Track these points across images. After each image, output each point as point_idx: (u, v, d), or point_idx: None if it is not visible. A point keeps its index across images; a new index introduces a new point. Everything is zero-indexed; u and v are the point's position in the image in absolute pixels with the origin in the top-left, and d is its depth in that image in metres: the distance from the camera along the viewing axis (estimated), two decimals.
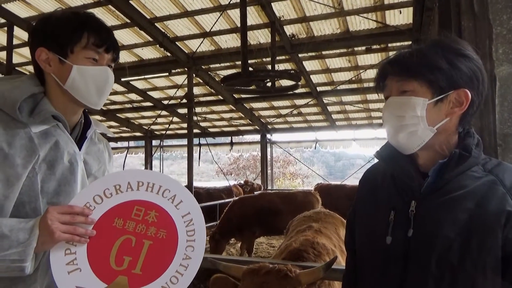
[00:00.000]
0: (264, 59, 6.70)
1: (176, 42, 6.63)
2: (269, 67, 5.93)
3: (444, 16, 1.67)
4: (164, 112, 9.67)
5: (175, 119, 10.40)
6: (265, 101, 9.36)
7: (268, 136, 11.61)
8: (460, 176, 0.94)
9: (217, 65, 7.45)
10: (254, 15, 5.65)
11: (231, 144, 12.20)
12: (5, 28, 6.37)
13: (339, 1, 5.20)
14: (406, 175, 1.01)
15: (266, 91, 5.81)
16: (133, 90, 8.87)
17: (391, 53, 6.22)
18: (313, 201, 6.18)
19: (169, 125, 10.06)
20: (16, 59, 7.13)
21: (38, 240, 0.92)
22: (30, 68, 6.27)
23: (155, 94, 9.33)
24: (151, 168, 12.37)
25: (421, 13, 3.06)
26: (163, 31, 6.27)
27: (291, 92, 7.69)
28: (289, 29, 6.03)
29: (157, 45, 6.56)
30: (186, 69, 7.13)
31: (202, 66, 7.44)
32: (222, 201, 7.86)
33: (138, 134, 12.78)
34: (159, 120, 10.66)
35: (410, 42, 5.47)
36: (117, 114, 10.95)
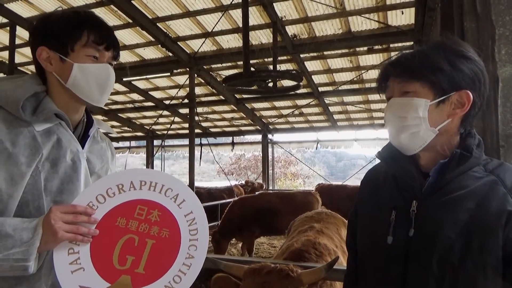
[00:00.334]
0: (265, 59, 6.69)
1: (178, 42, 6.64)
2: (271, 67, 5.92)
3: (446, 17, 1.67)
4: (165, 112, 9.68)
5: (177, 119, 10.41)
6: (266, 101, 9.35)
7: (270, 136, 11.61)
8: (461, 176, 0.94)
9: (219, 65, 7.45)
10: (256, 15, 5.65)
11: (233, 144, 12.21)
12: (8, 28, 6.38)
13: (341, 2, 5.19)
14: (407, 175, 1.01)
15: (267, 92, 5.80)
16: (134, 90, 8.88)
17: (393, 54, 6.24)
18: (312, 201, 6.17)
19: (171, 125, 10.05)
20: (18, 59, 7.14)
21: (41, 239, 0.92)
22: (32, 67, 6.25)
23: (157, 94, 9.34)
24: (152, 168, 12.39)
25: (423, 14, 3.06)
26: (165, 31, 6.27)
27: (293, 93, 7.70)
28: (291, 29, 6.02)
29: (159, 45, 6.56)
30: (187, 69, 7.13)
31: (204, 66, 7.44)
32: (223, 201, 7.87)
33: (139, 134, 12.79)
34: (161, 120, 10.67)
35: (412, 43, 5.47)
36: (119, 114, 10.97)
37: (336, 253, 2.29)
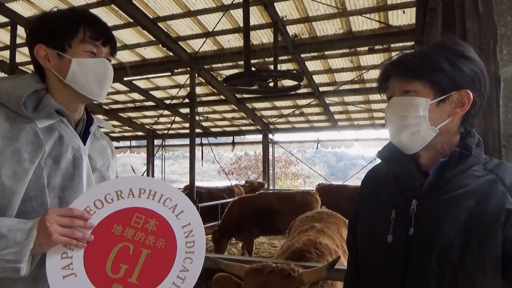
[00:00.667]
0: (266, 59, 6.70)
1: (179, 42, 6.64)
2: (272, 67, 5.92)
3: (447, 17, 1.67)
4: (166, 112, 9.67)
5: (177, 118, 10.41)
6: (267, 101, 9.35)
7: (270, 136, 11.60)
8: (461, 175, 0.95)
9: (220, 65, 7.45)
10: (256, 15, 5.65)
11: (233, 144, 12.20)
12: (8, 27, 6.39)
13: (342, 1, 5.19)
14: (408, 174, 1.01)
15: (268, 91, 5.80)
16: (135, 90, 8.88)
17: (394, 54, 6.24)
18: (312, 201, 6.16)
19: (171, 125, 10.06)
20: (19, 58, 7.14)
21: (36, 241, 0.91)
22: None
23: (157, 94, 9.34)
24: (153, 167, 12.40)
25: (424, 14, 3.06)
26: (166, 30, 6.27)
27: (293, 92, 7.70)
28: (291, 29, 6.02)
29: (160, 45, 6.56)
30: (188, 68, 7.13)
31: (205, 66, 7.43)
32: (224, 201, 7.87)
33: (140, 133, 12.78)
34: (161, 119, 10.67)
35: (412, 43, 5.46)
36: (119, 114, 10.96)
37: (337, 252, 2.29)
